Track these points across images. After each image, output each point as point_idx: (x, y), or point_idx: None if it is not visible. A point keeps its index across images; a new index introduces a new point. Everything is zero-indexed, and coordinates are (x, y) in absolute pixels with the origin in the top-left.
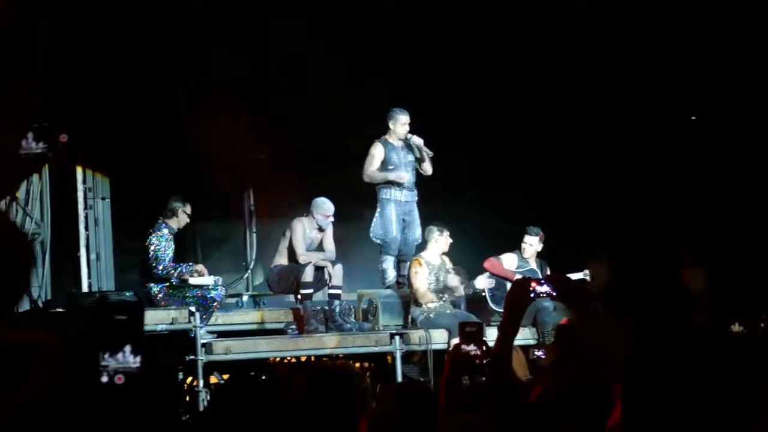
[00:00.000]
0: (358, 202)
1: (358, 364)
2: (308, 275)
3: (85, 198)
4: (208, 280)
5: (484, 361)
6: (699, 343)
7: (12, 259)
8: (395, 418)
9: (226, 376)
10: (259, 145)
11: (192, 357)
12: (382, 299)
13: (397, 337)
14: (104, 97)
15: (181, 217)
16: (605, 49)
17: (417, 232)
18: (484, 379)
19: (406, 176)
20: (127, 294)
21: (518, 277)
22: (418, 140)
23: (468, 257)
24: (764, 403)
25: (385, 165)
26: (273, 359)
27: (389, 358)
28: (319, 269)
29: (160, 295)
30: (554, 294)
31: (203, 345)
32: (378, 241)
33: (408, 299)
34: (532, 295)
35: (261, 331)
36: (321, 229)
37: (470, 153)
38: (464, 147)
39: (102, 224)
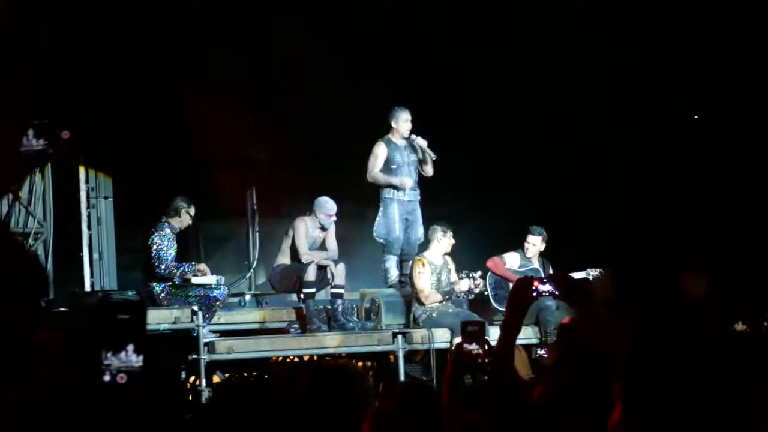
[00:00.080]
0: (360, 202)
1: (360, 364)
2: (311, 274)
3: (88, 197)
4: (210, 279)
5: (486, 360)
6: (700, 343)
7: (24, 293)
8: (398, 417)
9: (228, 376)
10: (260, 145)
11: (194, 356)
12: (384, 298)
13: (399, 337)
14: (105, 97)
15: (184, 218)
16: (605, 49)
17: (419, 231)
18: (486, 378)
19: (409, 182)
20: (130, 293)
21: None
22: (422, 142)
23: (469, 257)
24: (765, 403)
25: (388, 164)
26: (275, 358)
27: (392, 357)
28: (321, 268)
29: (162, 295)
30: (557, 293)
31: (206, 344)
32: (381, 241)
33: (410, 298)
34: (534, 294)
35: (263, 331)
36: (324, 229)
37: (471, 153)
38: (465, 147)
39: (104, 223)
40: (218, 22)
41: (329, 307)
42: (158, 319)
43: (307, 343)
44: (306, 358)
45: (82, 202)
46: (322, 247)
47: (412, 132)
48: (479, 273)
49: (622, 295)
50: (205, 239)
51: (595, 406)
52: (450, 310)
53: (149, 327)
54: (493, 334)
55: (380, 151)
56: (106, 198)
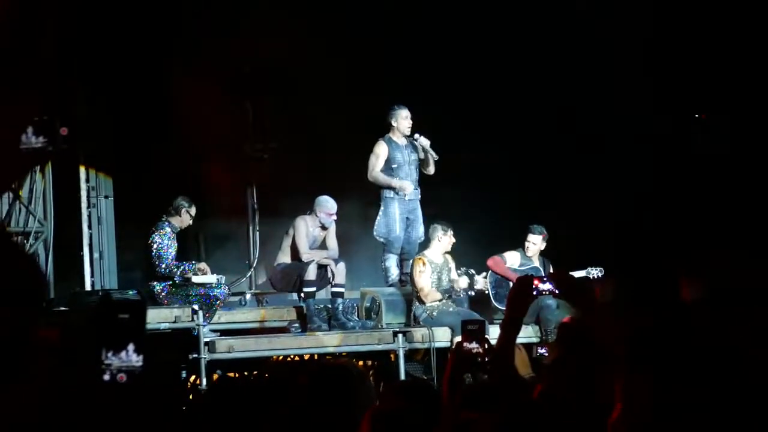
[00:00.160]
0: (361, 201)
1: (361, 363)
2: (311, 273)
3: (88, 196)
4: (210, 278)
5: (487, 359)
6: (698, 342)
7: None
8: (398, 415)
9: (230, 375)
10: (262, 144)
11: (195, 355)
12: (385, 297)
13: (400, 335)
14: (106, 96)
15: (184, 217)
16: (606, 47)
17: (420, 230)
18: (486, 376)
19: (410, 187)
20: (130, 292)
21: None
22: (425, 141)
23: (470, 256)
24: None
25: (389, 163)
26: (276, 357)
27: (392, 356)
28: (322, 267)
29: (162, 294)
30: (557, 292)
31: (206, 343)
32: (381, 240)
33: (411, 297)
34: (534, 292)
35: (264, 330)
36: (324, 228)
37: (471, 152)
38: (466, 146)
39: (105, 223)
40: (219, 22)
41: (330, 306)
42: (159, 318)
43: (308, 342)
44: (306, 357)
45: (82, 201)
46: (323, 246)
47: (413, 130)
48: (483, 274)
49: (622, 295)
50: (206, 238)
51: (595, 405)
52: (450, 309)
53: (150, 326)
54: (494, 332)
55: (381, 150)
56: (106, 197)
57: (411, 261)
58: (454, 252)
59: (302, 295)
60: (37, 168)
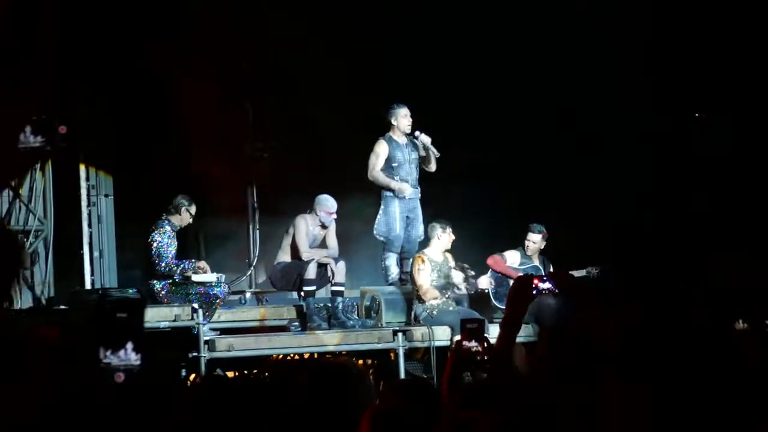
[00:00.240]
0: (361, 199)
1: (360, 361)
2: (311, 272)
3: (88, 195)
4: (210, 277)
5: (486, 358)
6: (696, 341)
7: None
8: (398, 414)
9: (230, 374)
10: (262, 143)
11: (195, 354)
12: (384, 296)
13: (399, 334)
14: (106, 96)
15: (184, 215)
16: (606, 46)
17: (420, 229)
18: (485, 375)
19: (408, 190)
20: (130, 291)
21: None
22: (426, 139)
23: (470, 254)
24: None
25: (389, 162)
26: (275, 356)
27: (392, 355)
28: (321, 266)
29: (162, 292)
30: (556, 291)
31: (206, 342)
32: (381, 239)
33: (411, 296)
34: (534, 291)
35: (264, 328)
36: (324, 226)
37: (472, 151)
38: (466, 145)
39: (105, 221)
40: (218, 22)
41: (329, 304)
42: (158, 316)
43: (308, 341)
44: (306, 356)
45: (82, 199)
46: (323, 244)
47: (413, 129)
48: (487, 274)
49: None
50: (206, 237)
51: (592, 405)
52: (450, 308)
53: (150, 325)
54: (493, 331)
55: (381, 149)
56: (106, 196)
57: (411, 260)
58: (454, 250)
59: (302, 293)
60: (37, 166)
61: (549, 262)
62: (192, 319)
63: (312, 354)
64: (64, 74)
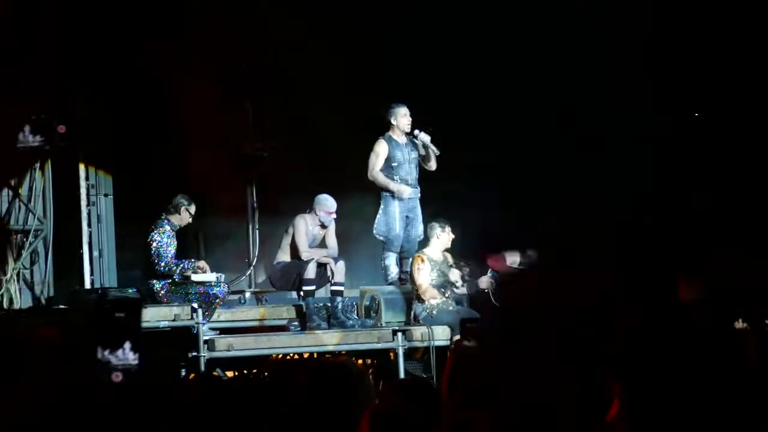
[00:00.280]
0: (360, 199)
1: (360, 361)
2: (310, 272)
3: (88, 195)
4: (210, 276)
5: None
6: (698, 342)
7: None
8: (398, 414)
9: (230, 373)
10: (262, 143)
11: (194, 354)
12: (384, 296)
13: (399, 334)
14: (106, 96)
15: (184, 215)
16: (606, 48)
17: (420, 228)
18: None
19: (407, 192)
20: (130, 291)
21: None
22: (425, 137)
23: (470, 254)
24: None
25: (389, 162)
26: (275, 356)
27: (392, 354)
28: (321, 266)
29: (162, 292)
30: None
31: (205, 342)
32: (381, 238)
33: (410, 296)
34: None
35: (263, 328)
36: (323, 226)
37: (471, 151)
38: (466, 145)
39: (105, 221)
40: (218, 22)
41: (329, 304)
42: (158, 316)
43: (307, 341)
44: (306, 355)
45: (82, 199)
46: (322, 244)
47: (413, 128)
48: (488, 274)
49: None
50: (205, 236)
51: (592, 404)
52: (450, 308)
53: (149, 324)
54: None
55: (381, 148)
56: (106, 195)
57: (410, 259)
58: (454, 250)
59: (302, 293)
60: (37, 166)
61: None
62: (191, 318)
63: (311, 354)
64: (64, 74)
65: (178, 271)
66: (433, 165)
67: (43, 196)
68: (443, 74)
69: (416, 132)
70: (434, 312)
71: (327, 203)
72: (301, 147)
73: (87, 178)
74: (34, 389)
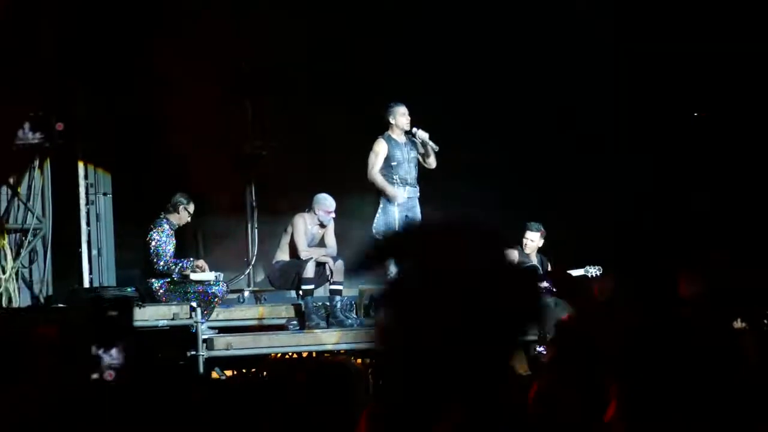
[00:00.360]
0: (359, 198)
1: (359, 360)
2: (309, 271)
3: (87, 193)
4: (209, 275)
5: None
6: (694, 341)
7: None
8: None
9: (228, 372)
10: (261, 141)
11: (193, 353)
12: None
13: None
14: (106, 96)
15: (182, 214)
16: (606, 48)
17: None
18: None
19: (401, 198)
20: (129, 289)
21: None
22: (423, 134)
23: None
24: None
25: (388, 161)
26: (274, 355)
27: None
28: (320, 265)
29: (161, 291)
30: (554, 290)
31: (204, 341)
32: (380, 237)
33: None
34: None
35: (262, 327)
36: (322, 225)
37: (471, 151)
38: (466, 145)
39: (103, 220)
40: (217, 22)
41: (328, 303)
42: (157, 315)
43: (306, 340)
44: (305, 354)
45: (81, 198)
46: (321, 243)
47: (411, 125)
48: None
49: (621, 293)
50: (204, 236)
51: (591, 405)
52: None
53: (148, 323)
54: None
55: (380, 148)
56: (105, 194)
57: None
58: None
59: (300, 292)
60: (36, 164)
61: (548, 261)
62: (190, 317)
63: (310, 353)
64: (64, 74)
65: (177, 270)
66: (432, 162)
67: (42, 194)
68: (443, 74)
69: (414, 129)
70: None
71: (326, 202)
72: (301, 147)
73: (86, 177)
74: (33, 388)
